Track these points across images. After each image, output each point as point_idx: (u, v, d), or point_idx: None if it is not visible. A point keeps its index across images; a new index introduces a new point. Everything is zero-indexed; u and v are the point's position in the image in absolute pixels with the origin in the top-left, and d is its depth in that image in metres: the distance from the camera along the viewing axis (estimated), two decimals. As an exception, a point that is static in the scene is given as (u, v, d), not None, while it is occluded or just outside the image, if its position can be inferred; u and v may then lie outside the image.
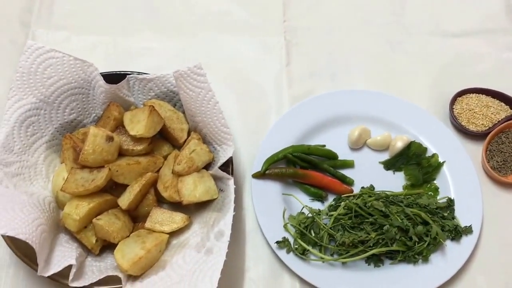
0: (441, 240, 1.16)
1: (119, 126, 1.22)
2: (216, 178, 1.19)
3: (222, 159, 1.18)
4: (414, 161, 1.29)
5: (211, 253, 1.07)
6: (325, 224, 1.19)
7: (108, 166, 1.12)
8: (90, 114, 1.27)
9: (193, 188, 1.14)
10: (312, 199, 1.26)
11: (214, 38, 1.48)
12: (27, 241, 0.99)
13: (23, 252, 1.08)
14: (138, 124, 1.16)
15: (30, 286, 1.17)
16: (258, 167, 1.26)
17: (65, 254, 1.08)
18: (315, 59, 1.46)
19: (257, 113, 1.38)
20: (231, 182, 1.15)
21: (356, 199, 1.21)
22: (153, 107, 1.17)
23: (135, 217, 1.18)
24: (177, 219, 1.15)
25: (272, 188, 1.25)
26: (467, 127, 1.34)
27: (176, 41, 1.48)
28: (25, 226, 1.01)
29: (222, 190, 1.17)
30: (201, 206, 1.18)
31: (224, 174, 1.15)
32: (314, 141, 1.32)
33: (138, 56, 1.46)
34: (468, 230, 1.19)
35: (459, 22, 1.52)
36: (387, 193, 1.23)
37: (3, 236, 1.08)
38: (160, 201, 1.20)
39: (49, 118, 1.22)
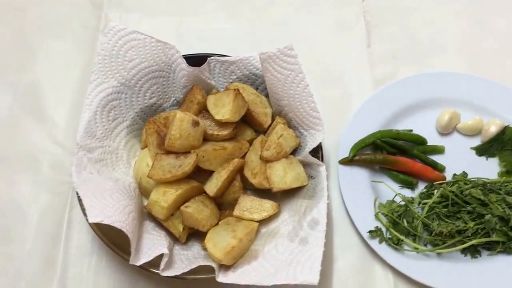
0: (545, 230, 1.08)
1: (202, 110, 1.15)
2: (304, 165, 1.12)
3: (310, 145, 1.11)
4: (510, 147, 1.20)
5: (306, 243, 1.00)
6: (418, 213, 1.11)
7: (195, 151, 1.06)
8: (169, 98, 1.21)
9: (283, 175, 1.08)
10: (401, 186, 1.19)
11: (289, 18, 1.41)
12: (122, 229, 0.93)
13: (111, 239, 1.03)
14: (223, 108, 1.09)
15: (112, 274, 1.13)
16: (343, 153, 1.20)
17: (154, 243, 1.02)
18: (397, 40, 1.38)
19: (338, 97, 1.31)
20: (322, 168, 1.08)
21: (450, 187, 1.13)
22: (238, 90, 1.10)
23: (220, 205, 1.12)
24: (267, 206, 1.09)
25: (360, 175, 1.18)
26: None
27: (249, 22, 1.42)
28: (118, 213, 0.96)
29: (312, 177, 1.11)
30: (289, 193, 1.12)
31: (314, 160, 1.09)
32: (400, 126, 1.24)
33: (210, 38, 1.40)
34: None
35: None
36: (484, 180, 1.14)
37: (90, 223, 1.02)
38: (244, 187, 1.13)
39: (130, 102, 1.16)
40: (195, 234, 1.10)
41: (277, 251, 1.02)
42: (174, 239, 1.09)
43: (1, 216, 1.17)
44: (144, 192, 1.14)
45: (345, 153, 1.19)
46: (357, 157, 1.18)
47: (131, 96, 1.16)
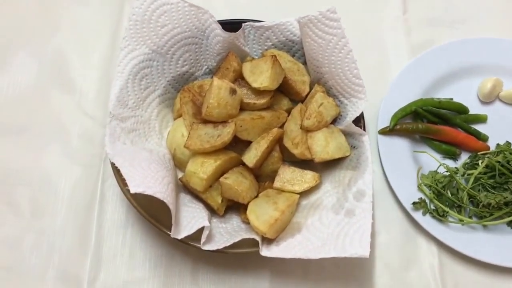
0: None
1: (238, 78, 1.07)
2: (345, 134, 1.05)
3: (351, 114, 1.04)
4: (554, 116, 1.13)
5: (353, 215, 0.94)
6: (463, 184, 1.04)
7: (233, 120, 0.98)
8: (201, 66, 1.13)
9: (325, 145, 1.01)
10: (443, 156, 1.12)
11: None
12: (163, 200, 0.87)
13: (148, 212, 0.96)
14: (261, 76, 1.01)
15: (148, 248, 1.06)
16: (382, 123, 1.12)
17: (194, 215, 0.96)
18: (434, 5, 1.29)
19: (374, 66, 1.22)
20: (365, 138, 1.02)
21: (496, 157, 1.06)
22: (275, 56, 1.02)
23: (257, 176, 1.05)
24: (308, 177, 1.02)
25: (400, 145, 1.11)
26: None
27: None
28: (158, 184, 0.89)
29: (354, 147, 1.04)
30: (330, 164, 1.05)
31: (357, 129, 1.02)
32: (439, 95, 1.17)
33: (241, 5, 1.31)
34: None
35: None
36: (531, 149, 1.07)
37: (127, 195, 0.95)
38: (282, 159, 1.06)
39: (162, 70, 1.08)
40: (232, 207, 1.04)
41: (322, 223, 0.95)
42: (211, 211, 1.02)
43: (31, 188, 1.10)
44: (178, 163, 1.07)
45: (384, 123, 1.12)
46: (398, 127, 1.10)
47: (162, 64, 1.08)
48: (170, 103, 1.12)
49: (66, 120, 1.17)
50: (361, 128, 1.03)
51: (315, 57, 1.05)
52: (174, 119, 1.11)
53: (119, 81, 1.03)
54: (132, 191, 0.84)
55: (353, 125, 1.01)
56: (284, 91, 1.10)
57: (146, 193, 0.85)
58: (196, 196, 1.03)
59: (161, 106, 1.10)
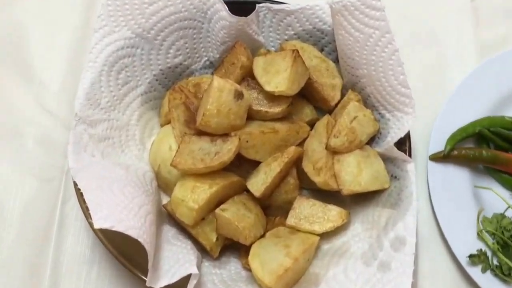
0: None
1: (247, 77, 1.05)
2: (384, 159, 1.02)
3: (394, 133, 1.01)
4: None
5: (388, 269, 0.91)
6: (539, 234, 1.02)
7: (236, 134, 0.96)
8: (200, 57, 1.12)
9: (357, 173, 0.98)
10: (514, 195, 1.09)
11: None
12: (138, 239, 0.83)
13: (117, 247, 0.93)
14: (277, 76, 0.99)
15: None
16: (435, 147, 1.10)
17: (179, 258, 0.93)
18: (512, -9, 1.26)
19: (427, 70, 1.21)
20: (410, 166, 0.98)
21: None
22: (297, 51, 0.98)
23: (265, 208, 1.03)
24: (332, 215, 0.99)
25: (457, 178, 1.09)
26: None
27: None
28: (132, 216, 0.86)
29: (395, 178, 1.01)
30: (363, 198, 1.02)
31: (400, 154, 0.98)
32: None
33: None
34: None
35: None
36: None
37: (92, 226, 0.92)
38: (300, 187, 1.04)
39: (147, 60, 1.06)
40: (231, 247, 1.02)
41: (347, 277, 0.93)
42: (202, 252, 1.00)
43: (-31, 207, 1.08)
44: (163, 185, 1.05)
45: (437, 147, 1.10)
46: (455, 152, 1.08)
47: (148, 52, 1.06)
48: (157, 104, 1.11)
49: (20, 117, 1.16)
50: (406, 152, 1.00)
51: (350, 55, 1.02)
52: (161, 125, 1.10)
53: (90, 73, 1.01)
54: (97, 226, 0.81)
55: (395, 148, 0.98)
56: (308, 97, 1.09)
57: (115, 229, 0.82)
58: (183, 229, 1.00)
59: (144, 107, 1.09)
